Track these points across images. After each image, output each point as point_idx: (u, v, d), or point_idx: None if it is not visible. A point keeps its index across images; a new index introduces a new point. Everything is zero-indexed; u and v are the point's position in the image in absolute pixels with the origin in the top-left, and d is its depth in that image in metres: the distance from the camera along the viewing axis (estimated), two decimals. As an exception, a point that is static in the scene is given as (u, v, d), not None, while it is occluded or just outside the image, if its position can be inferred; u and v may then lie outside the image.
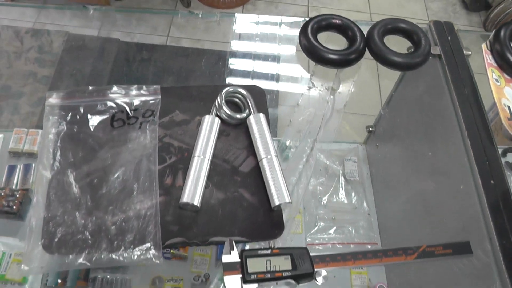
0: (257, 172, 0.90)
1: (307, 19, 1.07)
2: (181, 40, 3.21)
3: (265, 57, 1.77)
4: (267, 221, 0.86)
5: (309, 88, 1.05)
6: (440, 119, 1.09)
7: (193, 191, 0.84)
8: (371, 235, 1.44)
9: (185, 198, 0.83)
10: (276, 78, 1.72)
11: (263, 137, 0.92)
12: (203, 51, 3.03)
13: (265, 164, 0.89)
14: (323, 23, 1.06)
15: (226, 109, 0.95)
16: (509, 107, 1.02)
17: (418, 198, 1.22)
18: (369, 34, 1.06)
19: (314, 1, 3.59)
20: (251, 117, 0.95)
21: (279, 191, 0.86)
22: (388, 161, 1.46)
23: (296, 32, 1.07)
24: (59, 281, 1.21)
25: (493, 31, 1.10)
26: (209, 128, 0.93)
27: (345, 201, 1.48)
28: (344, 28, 1.07)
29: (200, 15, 1.18)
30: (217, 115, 0.96)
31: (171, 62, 2.99)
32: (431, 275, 1.09)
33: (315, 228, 1.42)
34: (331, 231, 1.43)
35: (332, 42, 1.08)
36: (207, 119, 0.94)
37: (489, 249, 0.84)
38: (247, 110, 0.97)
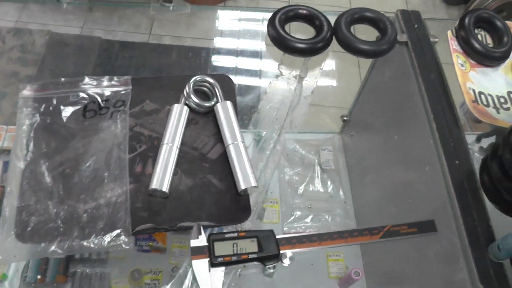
0: (225, 159, 0.92)
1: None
2: (163, 38, 3.22)
3: (247, 53, 1.78)
4: (234, 205, 0.88)
5: (277, 76, 1.07)
6: (408, 104, 1.12)
7: (162, 177, 0.86)
8: (348, 222, 1.46)
9: (154, 184, 0.85)
10: (259, 74, 1.73)
11: (230, 124, 0.94)
12: (186, 48, 3.04)
13: (231, 150, 0.91)
14: (290, 14, 1.09)
15: (194, 98, 0.96)
16: (473, 90, 1.04)
17: (391, 183, 1.25)
18: (336, 23, 1.09)
19: (296, -2, 3.60)
20: (219, 105, 0.97)
21: (245, 176, 0.88)
22: (362, 149, 1.48)
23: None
24: (39, 276, 1.22)
25: (458, 19, 1.13)
26: (177, 117, 0.94)
27: (321, 190, 1.50)
28: (311, 17, 1.09)
29: (171, 8, 1.19)
30: (186, 104, 0.98)
31: (153, 60, 3.00)
32: (403, 257, 1.12)
33: (292, 218, 1.44)
34: (308, 219, 1.45)
35: (301, 32, 1.10)
36: (176, 107, 0.96)
37: (454, 227, 0.86)
38: (215, 99, 0.99)
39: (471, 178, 0.91)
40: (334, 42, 1.08)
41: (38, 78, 2.73)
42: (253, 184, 0.87)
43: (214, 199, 0.88)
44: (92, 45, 3.05)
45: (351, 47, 1.05)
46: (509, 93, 1.07)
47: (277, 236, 0.81)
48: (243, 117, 1.03)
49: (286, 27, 1.09)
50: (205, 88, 1.01)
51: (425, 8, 3.64)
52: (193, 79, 0.98)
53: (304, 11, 1.09)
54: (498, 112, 1.02)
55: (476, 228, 0.84)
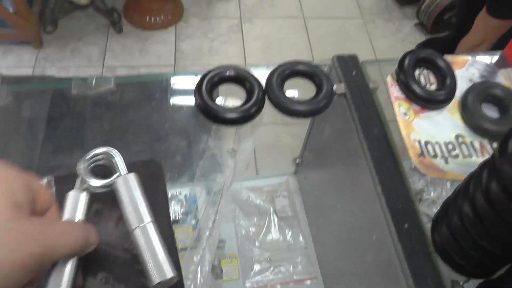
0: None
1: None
2: (116, 69, 3.17)
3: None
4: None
5: (206, 154, 1.00)
6: (352, 162, 1.06)
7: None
8: (310, 269, 1.41)
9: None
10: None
11: (134, 201, 0.77)
12: (143, 83, 2.97)
13: (138, 236, 0.74)
14: (216, 79, 1.02)
15: (90, 180, 0.79)
16: (419, 142, 0.99)
17: (347, 233, 1.20)
18: (267, 83, 1.02)
19: (246, 12, 3.56)
20: (119, 180, 0.79)
21: (158, 266, 0.71)
22: (318, 192, 1.43)
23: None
24: None
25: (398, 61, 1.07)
26: (72, 210, 0.76)
27: (280, 239, 1.45)
28: (241, 79, 1.03)
29: (93, 83, 1.11)
30: (85, 189, 0.80)
31: (109, 97, 2.92)
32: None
33: (252, 272, 1.38)
34: (268, 272, 1.39)
35: (233, 94, 1.04)
36: (71, 197, 0.77)
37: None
38: (118, 173, 0.82)
39: (422, 241, 0.86)
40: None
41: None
42: (170, 274, 0.71)
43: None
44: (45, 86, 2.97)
45: (285, 109, 0.99)
46: (457, 136, 1.02)
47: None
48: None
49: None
50: (105, 161, 0.84)
51: (379, 10, 3.62)
52: (84, 157, 0.81)
53: (232, 73, 1.03)
54: (446, 162, 0.98)
55: (432, 300, 0.80)
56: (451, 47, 2.63)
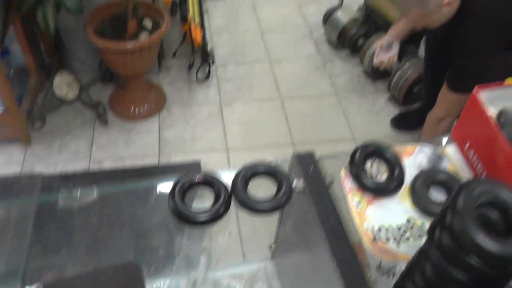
0: None
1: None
2: (103, 162, 3.25)
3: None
4: None
5: (180, 254, 1.10)
6: (315, 248, 1.16)
7: None
8: None
9: None
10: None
11: None
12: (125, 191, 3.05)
13: None
14: (186, 186, 1.13)
15: None
16: (372, 228, 1.09)
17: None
18: (233, 184, 1.13)
19: (226, 96, 3.69)
20: None
21: None
22: (292, 275, 1.51)
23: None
24: None
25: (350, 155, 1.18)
26: None
27: (261, 323, 1.52)
28: (208, 183, 1.14)
29: (78, 195, 1.20)
30: None
31: (93, 206, 2.99)
32: None
33: None
34: None
35: (203, 195, 1.14)
36: None
37: None
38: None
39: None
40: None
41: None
42: None
43: None
44: (33, 184, 3.03)
45: (249, 208, 1.10)
46: (408, 220, 1.12)
47: None
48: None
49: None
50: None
51: (352, 86, 3.75)
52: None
53: (200, 179, 1.14)
54: (398, 245, 1.07)
55: None
56: (424, 118, 2.71)
